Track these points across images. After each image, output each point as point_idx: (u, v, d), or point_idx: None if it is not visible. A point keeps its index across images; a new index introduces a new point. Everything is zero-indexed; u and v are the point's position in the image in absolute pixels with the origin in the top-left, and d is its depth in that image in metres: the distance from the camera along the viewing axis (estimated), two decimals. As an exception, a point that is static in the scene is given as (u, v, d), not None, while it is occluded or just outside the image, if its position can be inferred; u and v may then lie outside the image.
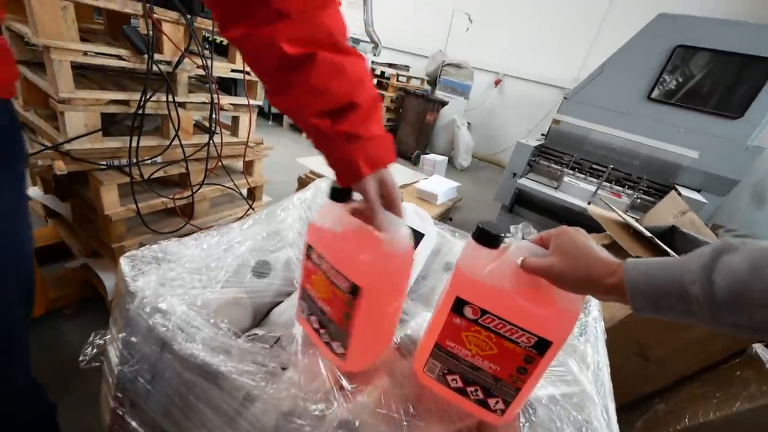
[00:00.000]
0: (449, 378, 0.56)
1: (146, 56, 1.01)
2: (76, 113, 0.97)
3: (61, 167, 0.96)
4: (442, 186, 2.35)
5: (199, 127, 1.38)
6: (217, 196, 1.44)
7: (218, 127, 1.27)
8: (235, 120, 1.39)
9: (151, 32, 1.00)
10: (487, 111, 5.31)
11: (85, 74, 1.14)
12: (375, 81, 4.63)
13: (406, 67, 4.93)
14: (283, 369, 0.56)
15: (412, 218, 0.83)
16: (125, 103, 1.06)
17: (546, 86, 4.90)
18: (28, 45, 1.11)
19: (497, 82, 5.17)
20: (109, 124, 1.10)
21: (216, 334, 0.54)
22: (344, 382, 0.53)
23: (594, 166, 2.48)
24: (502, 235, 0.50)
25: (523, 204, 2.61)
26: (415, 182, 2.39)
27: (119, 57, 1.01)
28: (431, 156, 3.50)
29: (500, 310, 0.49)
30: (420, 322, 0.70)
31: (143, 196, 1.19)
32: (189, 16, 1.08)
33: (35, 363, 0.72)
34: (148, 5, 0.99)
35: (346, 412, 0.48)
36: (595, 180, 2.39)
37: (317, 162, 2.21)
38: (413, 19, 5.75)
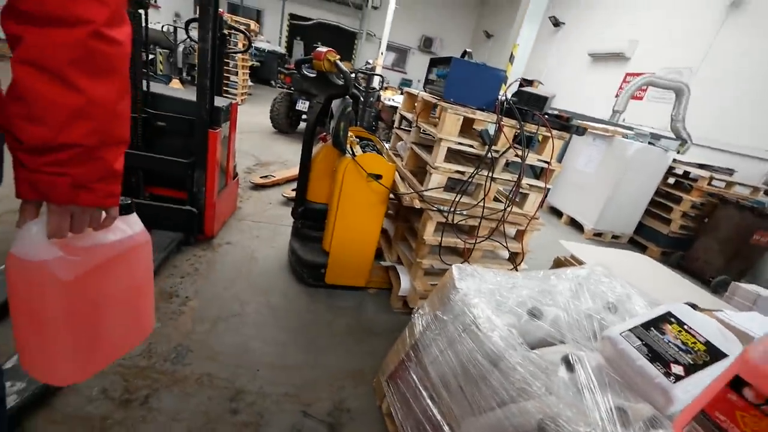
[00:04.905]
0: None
1: (487, 146, 1.51)
2: (437, 175, 1.58)
3: (417, 204, 1.58)
4: (762, 327, 1.68)
5: (496, 199, 1.81)
6: (489, 250, 1.79)
7: (513, 200, 1.62)
8: (524, 197, 1.72)
9: (495, 133, 1.49)
10: None
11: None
12: (673, 181, 3.99)
13: (729, 171, 3.91)
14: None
15: (715, 335, 0.76)
16: (462, 173, 1.60)
17: None
18: (423, 134, 1.90)
19: None
20: (449, 185, 1.68)
21: (508, 336, 0.78)
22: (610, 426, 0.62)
23: None
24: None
25: None
26: (716, 310, 1.85)
27: (471, 146, 1.56)
28: (752, 287, 2.52)
29: None
30: None
31: (446, 235, 1.69)
32: (522, 124, 1.51)
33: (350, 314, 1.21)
34: (500, 116, 1.49)
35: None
36: None
37: (579, 248, 2.20)
38: (751, 111, 4.51)
